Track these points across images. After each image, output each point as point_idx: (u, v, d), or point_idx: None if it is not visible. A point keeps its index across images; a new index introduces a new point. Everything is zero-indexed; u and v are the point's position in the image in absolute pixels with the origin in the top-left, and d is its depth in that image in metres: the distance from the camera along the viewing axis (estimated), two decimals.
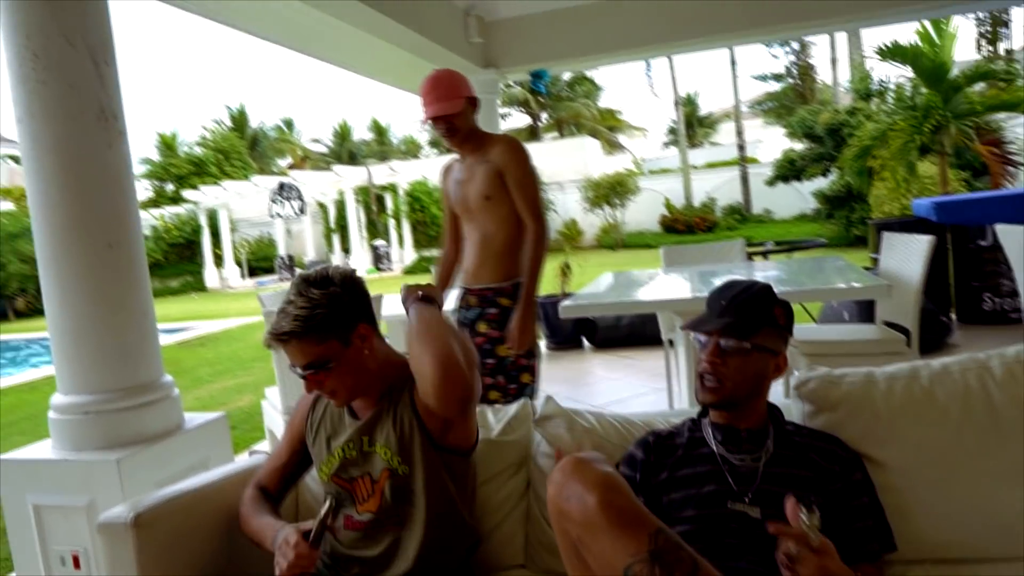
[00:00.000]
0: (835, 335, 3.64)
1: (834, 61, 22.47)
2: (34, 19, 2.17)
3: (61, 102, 2.17)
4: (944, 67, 7.15)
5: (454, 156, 2.94)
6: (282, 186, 21.22)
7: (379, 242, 21.46)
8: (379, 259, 20.95)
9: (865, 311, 4.71)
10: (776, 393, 1.84)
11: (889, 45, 7.12)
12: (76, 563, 2.17)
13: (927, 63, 7.09)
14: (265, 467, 1.80)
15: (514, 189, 2.73)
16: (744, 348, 1.52)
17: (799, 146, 16.97)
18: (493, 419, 1.93)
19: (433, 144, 34.84)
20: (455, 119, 2.69)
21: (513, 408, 1.96)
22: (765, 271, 3.92)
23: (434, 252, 20.59)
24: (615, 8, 5.68)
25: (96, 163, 2.21)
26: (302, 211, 21.29)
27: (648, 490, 1.57)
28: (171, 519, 1.60)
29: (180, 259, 23.61)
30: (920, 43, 7.11)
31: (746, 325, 1.54)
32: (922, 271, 3.30)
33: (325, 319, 1.53)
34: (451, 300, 3.00)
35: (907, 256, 3.48)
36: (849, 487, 1.51)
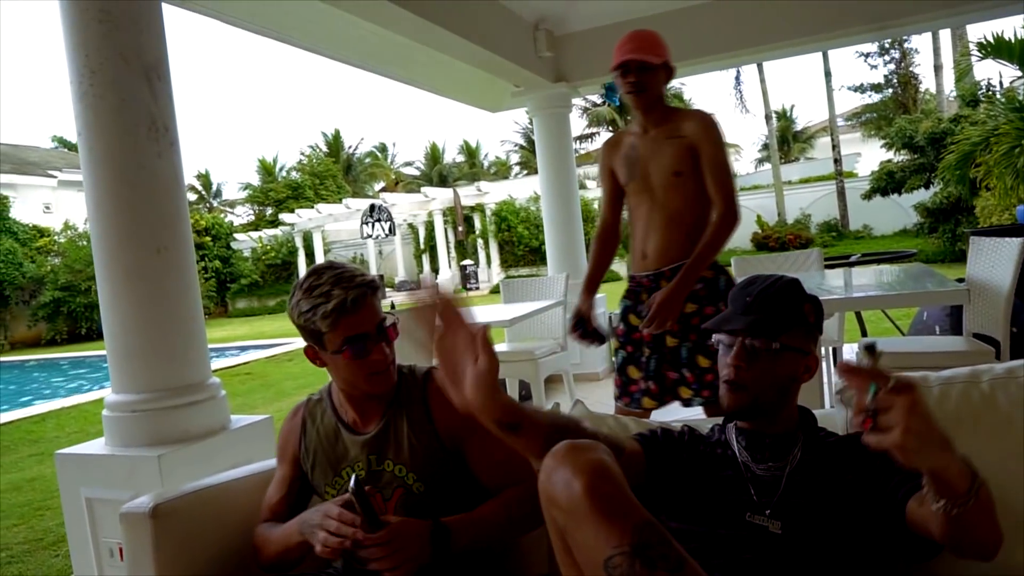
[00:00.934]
0: (917, 347, 3.39)
1: (938, 68, 21.34)
2: (93, 39, 2.30)
3: (115, 116, 2.28)
4: None
5: (626, 130, 2.72)
6: (373, 208, 21.79)
7: (467, 262, 21.71)
8: (467, 279, 21.18)
9: (957, 323, 4.39)
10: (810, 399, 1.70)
11: (991, 40, 6.68)
12: (121, 555, 2.23)
13: None
14: (267, 504, 1.68)
15: (709, 167, 2.51)
16: (773, 349, 1.40)
17: (899, 158, 16.17)
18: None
19: (523, 165, 35.09)
20: (648, 75, 2.48)
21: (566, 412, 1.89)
22: (837, 279, 3.71)
23: (522, 271, 20.75)
24: (693, 14, 5.51)
25: (146, 172, 2.30)
26: (392, 231, 21.79)
27: (664, 474, 1.45)
28: (191, 512, 1.61)
29: (277, 279, 24.54)
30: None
31: (774, 323, 1.41)
32: (1012, 277, 3.04)
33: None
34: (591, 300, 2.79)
35: (996, 261, 3.22)
36: (892, 468, 1.29)
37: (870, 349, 1.08)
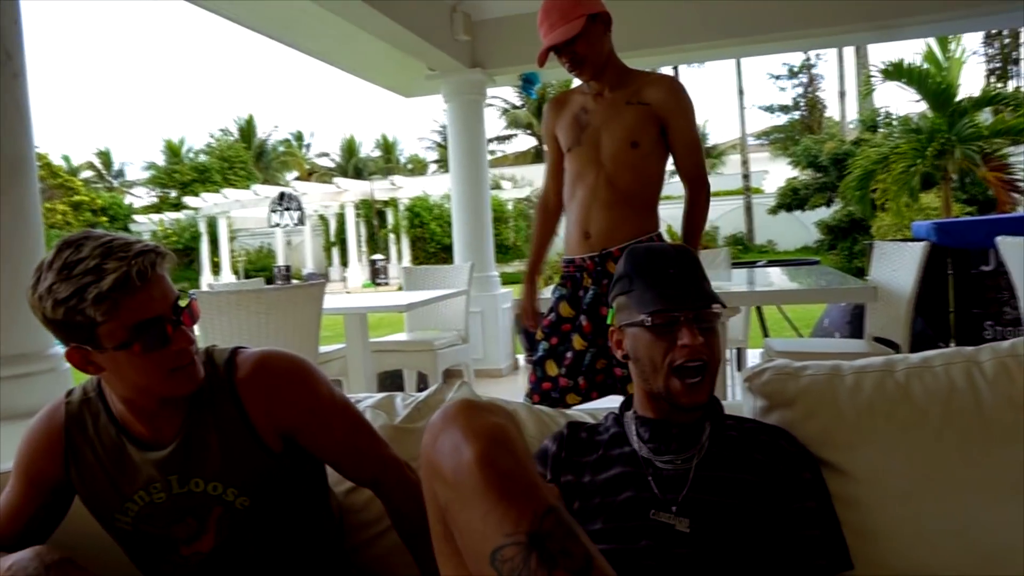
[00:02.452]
0: (818, 347, 3.37)
1: (842, 94, 22.38)
2: None
3: None
4: (950, 89, 6.94)
5: (576, 87, 2.42)
6: (282, 196, 21.07)
7: (377, 256, 21.28)
8: (376, 273, 20.74)
9: (857, 329, 4.44)
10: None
11: (892, 64, 6.92)
12: None
13: (933, 85, 6.88)
14: None
15: (679, 142, 2.28)
16: (718, 317, 1.27)
17: (803, 176, 16.79)
18: (400, 404, 1.67)
19: (439, 163, 34.76)
20: (580, 44, 2.20)
21: (424, 394, 1.70)
22: (742, 277, 3.66)
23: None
24: (614, 8, 5.46)
25: None
26: (301, 222, 21.12)
27: (570, 497, 1.28)
28: None
29: (178, 265, 23.44)
30: (925, 64, 6.91)
31: (710, 289, 1.29)
32: (914, 281, 3.03)
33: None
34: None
35: (899, 265, 3.22)
36: (794, 487, 1.24)
37: None
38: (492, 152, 33.44)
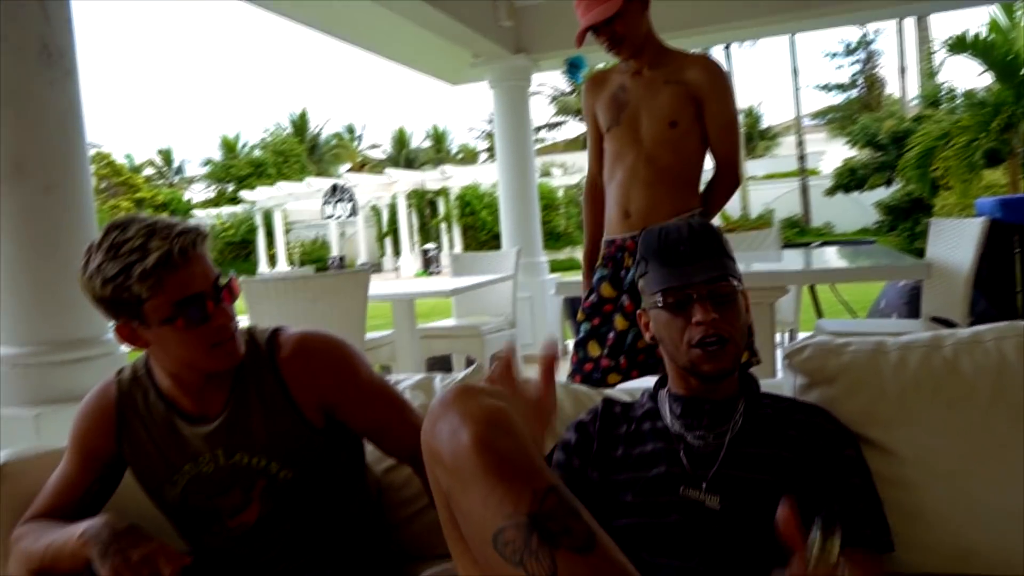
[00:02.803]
0: (871, 328, 3.28)
1: (903, 70, 21.64)
2: None
3: None
4: (1017, 59, 6.64)
5: (614, 66, 2.38)
6: (335, 188, 21.39)
7: (429, 245, 21.45)
8: (429, 262, 20.92)
9: (914, 311, 4.30)
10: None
11: (957, 37, 6.65)
12: None
13: (998, 55, 6.60)
14: (47, 500, 1.31)
15: (715, 124, 2.24)
16: (737, 292, 1.25)
17: (861, 155, 16.30)
18: (439, 385, 1.68)
19: (490, 152, 34.83)
20: (618, 24, 2.16)
21: (462, 374, 1.71)
22: (794, 256, 3.58)
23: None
24: None
25: (35, 101, 2.06)
26: (354, 213, 21.42)
27: (595, 471, 1.30)
28: (43, 474, 1.38)
29: (235, 257, 24.02)
30: (991, 35, 6.62)
31: (728, 260, 1.27)
32: (973, 259, 2.92)
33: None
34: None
35: (957, 243, 3.11)
36: (836, 464, 1.21)
37: (829, 526, 0.89)
38: (542, 140, 33.36)
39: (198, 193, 32.68)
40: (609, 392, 1.56)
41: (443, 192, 21.88)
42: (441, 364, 4.77)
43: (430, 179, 21.81)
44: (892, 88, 25.37)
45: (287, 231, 23.51)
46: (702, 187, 2.38)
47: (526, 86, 6.05)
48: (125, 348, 2.24)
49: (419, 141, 38.82)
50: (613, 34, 2.20)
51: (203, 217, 24.68)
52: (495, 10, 5.44)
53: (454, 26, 4.97)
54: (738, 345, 1.23)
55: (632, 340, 2.25)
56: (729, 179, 2.32)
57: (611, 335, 2.28)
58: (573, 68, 6.41)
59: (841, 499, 1.18)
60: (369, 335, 3.58)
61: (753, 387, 1.31)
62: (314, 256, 24.09)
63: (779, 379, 1.55)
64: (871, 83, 25.66)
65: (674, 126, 2.24)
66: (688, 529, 1.15)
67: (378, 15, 4.68)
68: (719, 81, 2.25)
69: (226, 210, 25.01)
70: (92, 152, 23.53)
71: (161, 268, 1.12)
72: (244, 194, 23.62)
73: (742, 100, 28.89)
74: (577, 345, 2.37)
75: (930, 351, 1.38)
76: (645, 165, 2.27)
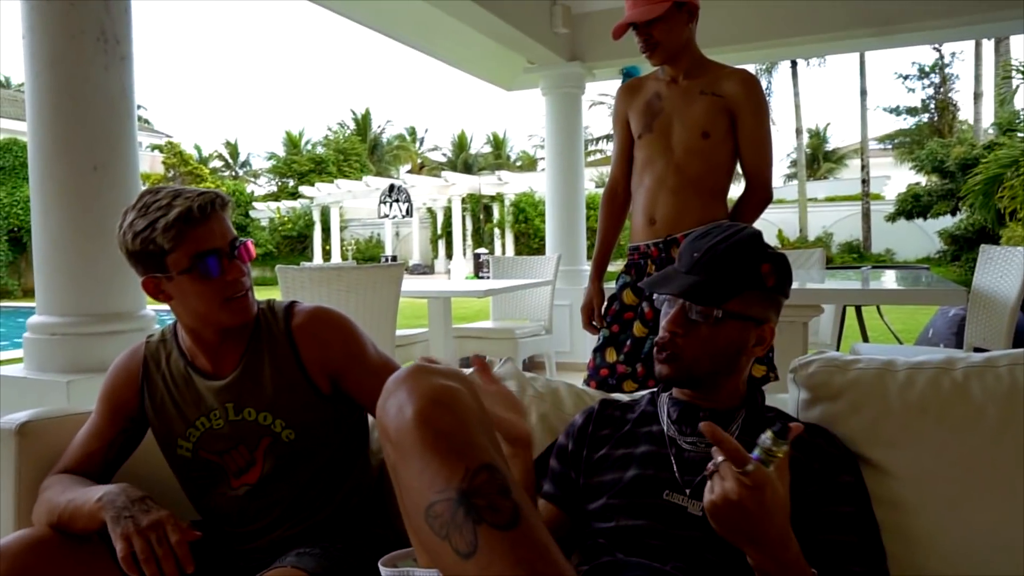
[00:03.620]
0: (906, 354, 3.19)
1: (977, 96, 20.91)
2: None
3: (62, 19, 2.15)
4: None
5: (651, 73, 2.38)
6: (392, 188, 21.69)
7: (481, 250, 21.58)
8: (480, 267, 21.05)
9: (962, 341, 4.17)
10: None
11: None
12: None
13: None
14: (75, 452, 1.41)
15: (747, 138, 2.24)
16: (715, 317, 1.20)
17: (927, 182, 15.83)
18: None
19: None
20: (659, 27, 2.17)
21: (470, 370, 1.73)
22: (835, 277, 3.51)
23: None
24: (723, 0, 5.28)
25: (90, 84, 2.16)
26: (409, 213, 21.68)
27: (576, 473, 1.31)
28: (60, 434, 1.46)
29: (291, 251, 24.52)
30: None
31: (720, 287, 1.21)
32: (1020, 288, 2.83)
33: None
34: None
35: (1005, 272, 3.01)
36: (830, 489, 1.18)
37: (780, 433, 0.95)
38: (601, 151, 33.24)
39: (260, 186, 33.50)
40: (611, 394, 1.56)
41: (498, 198, 22.00)
42: None
43: (486, 184, 21.96)
44: (966, 114, 24.60)
45: (343, 228, 23.92)
46: (729, 199, 2.36)
47: (579, 93, 6.06)
48: (157, 328, 2.34)
49: (479, 146, 39.14)
50: (650, 36, 2.20)
51: (263, 210, 25.26)
52: (551, 16, 5.48)
53: (509, 31, 5.01)
54: (687, 365, 1.22)
55: (650, 347, 2.25)
56: (759, 195, 2.30)
57: (628, 342, 2.28)
58: (628, 78, 6.40)
59: (832, 528, 1.14)
60: (401, 331, 3.63)
61: (757, 400, 1.29)
62: (368, 254, 24.46)
63: (787, 395, 1.54)
64: (943, 108, 24.87)
65: (706, 137, 2.23)
66: (666, 533, 1.14)
67: (434, 17, 4.76)
68: (755, 96, 2.24)
69: (285, 204, 25.57)
70: (163, 142, 24.38)
71: (182, 222, 1.24)
72: (304, 190, 24.14)
73: (807, 119, 28.33)
74: (595, 351, 2.37)
75: (940, 373, 1.35)
76: (674, 173, 2.26)
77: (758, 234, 1.28)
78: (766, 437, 0.94)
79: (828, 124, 42.11)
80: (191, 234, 1.26)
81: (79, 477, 1.36)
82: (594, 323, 2.48)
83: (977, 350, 3.16)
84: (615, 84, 6.64)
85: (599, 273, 2.51)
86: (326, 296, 3.01)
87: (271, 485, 1.37)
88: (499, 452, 0.89)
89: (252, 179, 35.33)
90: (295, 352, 1.37)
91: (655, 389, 1.39)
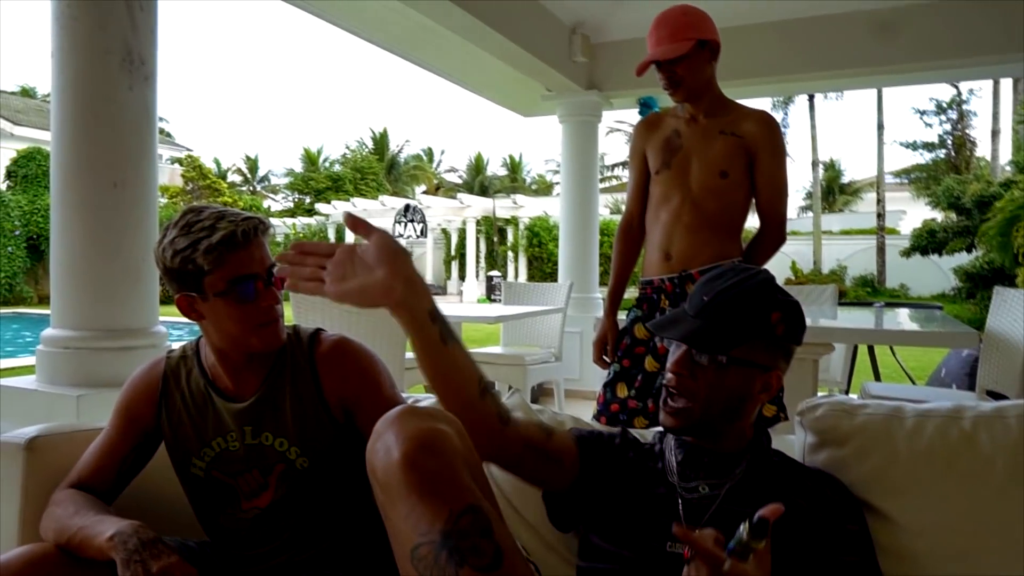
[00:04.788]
0: (917, 395, 3.17)
1: (995, 133, 20.86)
2: None
3: (88, 40, 2.20)
4: None
5: (670, 109, 2.39)
6: (407, 208, 21.81)
7: (494, 273, 21.61)
8: (492, 289, 21.07)
9: (975, 383, 4.13)
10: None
11: None
12: None
13: None
14: (87, 466, 1.40)
15: (765, 179, 2.24)
16: (720, 362, 1.19)
17: (943, 218, 15.77)
18: None
19: None
20: (683, 66, 2.18)
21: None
22: (847, 314, 3.49)
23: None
24: (742, 34, 5.24)
25: (114, 103, 2.21)
26: (424, 234, 21.77)
27: (595, 480, 1.29)
28: (70, 450, 1.46)
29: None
30: None
31: (726, 333, 1.19)
32: None
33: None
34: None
35: (1020, 314, 2.99)
36: (835, 538, 1.17)
37: (757, 531, 0.91)
38: (618, 177, 33.34)
39: (277, 202, 33.76)
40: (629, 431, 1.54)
41: (513, 221, 22.07)
42: None
43: (501, 207, 22.04)
44: (983, 151, 24.52)
45: (357, 246, 24.02)
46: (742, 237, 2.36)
47: (596, 122, 6.10)
48: (168, 343, 2.35)
49: (495, 168, 39.34)
50: (673, 75, 2.21)
51: (279, 226, 25.44)
52: (570, 45, 5.53)
53: (528, 59, 5.05)
54: (699, 413, 1.19)
55: (661, 383, 2.24)
56: (775, 235, 2.30)
57: (639, 377, 2.27)
58: (645, 108, 6.43)
59: None
60: (410, 354, 3.64)
61: (763, 443, 1.28)
62: None
63: (794, 436, 1.53)
64: (960, 144, 24.81)
65: (724, 176, 2.24)
66: None
67: (454, 43, 4.80)
68: (774, 138, 2.25)
69: (301, 221, 25.74)
70: (183, 155, 24.67)
71: (224, 245, 1.26)
72: (320, 207, 24.30)
73: (823, 152, 28.32)
74: (605, 385, 2.36)
75: (948, 422, 1.34)
76: (690, 210, 2.27)
77: (770, 280, 1.27)
78: (743, 531, 0.92)
79: (842, 157, 42.13)
80: (231, 258, 1.27)
81: (91, 498, 1.34)
82: (606, 358, 2.47)
83: (990, 393, 3.14)
84: (632, 112, 6.66)
85: (614, 307, 2.50)
86: (337, 316, 3.02)
87: (281, 510, 1.37)
88: (486, 491, 0.90)
89: (270, 195, 35.63)
90: (316, 381, 1.38)
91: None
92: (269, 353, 1.38)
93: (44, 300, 18.96)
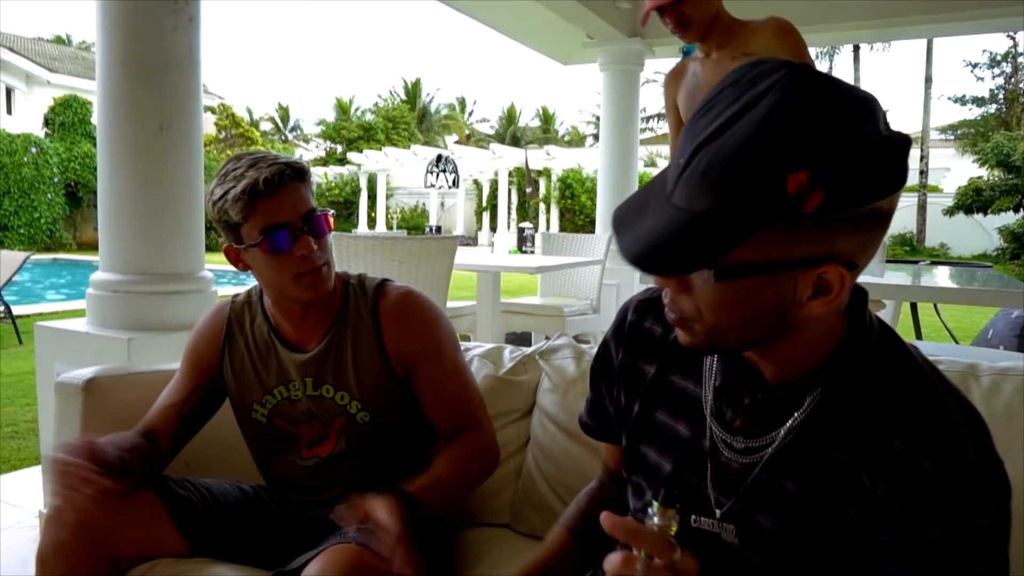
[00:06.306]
0: (970, 355, 3.08)
1: None
2: None
3: None
4: None
5: (693, 55, 2.31)
6: (440, 158, 21.69)
7: (525, 224, 21.52)
8: (523, 241, 21.00)
9: None
10: None
11: None
12: None
13: None
14: (156, 408, 1.38)
15: None
16: (707, 276, 0.71)
17: (990, 176, 15.30)
18: (507, 356, 1.69)
19: (597, 137, 34.56)
20: (684, 5, 2.09)
21: (531, 348, 1.70)
22: (896, 273, 3.40)
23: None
24: None
25: (160, 44, 2.17)
26: (455, 184, 21.69)
27: (620, 422, 1.00)
28: (126, 392, 1.48)
29: (337, 217, 24.53)
30: None
31: (704, 234, 0.69)
32: None
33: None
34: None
35: None
36: (907, 543, 0.74)
37: (668, 501, 0.74)
38: (652, 129, 32.79)
39: (309, 151, 33.80)
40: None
41: (546, 172, 21.88)
42: (520, 340, 4.80)
43: (534, 158, 21.84)
44: None
45: (389, 196, 24.04)
46: None
47: (638, 71, 5.95)
48: (215, 289, 2.35)
49: (528, 119, 38.89)
50: (681, 15, 2.11)
51: (313, 173, 25.52)
52: None
53: (571, 4, 4.93)
54: (703, 332, 0.76)
55: None
56: None
57: None
58: (687, 56, 6.26)
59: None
60: (451, 303, 3.63)
61: (846, 355, 0.79)
62: (412, 223, 24.56)
63: None
64: (1013, 99, 23.92)
65: None
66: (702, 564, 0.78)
67: None
68: (788, 42, 2.09)
69: (333, 170, 25.77)
70: (216, 103, 24.69)
71: (249, 194, 1.20)
72: (352, 156, 24.28)
73: None
74: None
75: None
76: None
77: (792, 106, 0.66)
78: (652, 512, 0.74)
79: (887, 111, 40.95)
80: (260, 206, 1.22)
81: (140, 441, 1.29)
82: None
83: None
84: (671, 63, 6.49)
85: None
86: (380, 265, 3.01)
87: (340, 462, 1.36)
88: None
89: (302, 143, 35.65)
90: (379, 334, 1.34)
91: None
92: (330, 303, 1.34)
93: (83, 246, 19.31)
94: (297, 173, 1.25)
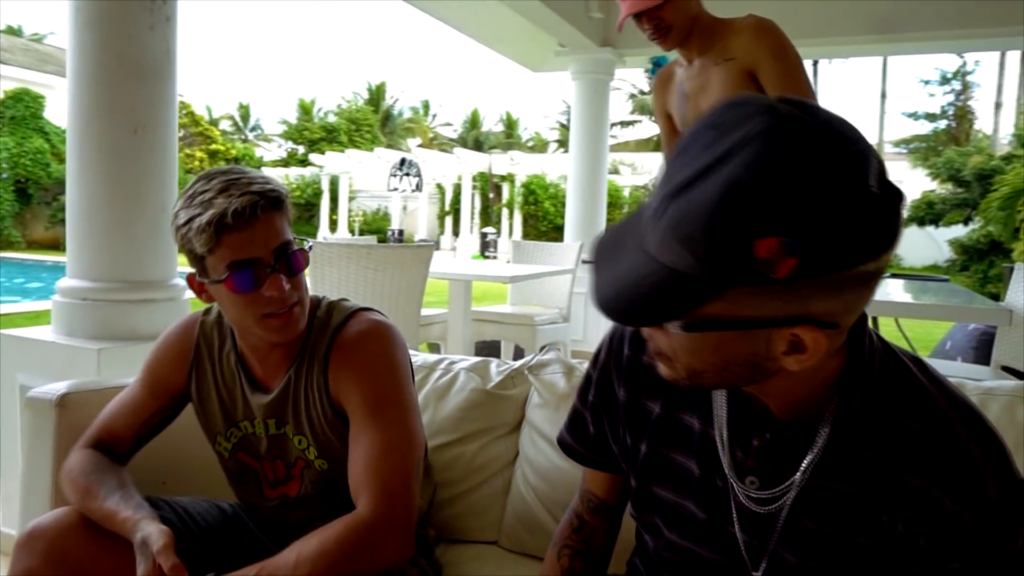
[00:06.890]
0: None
1: (998, 106, 20.79)
2: None
3: None
4: None
5: (675, 59, 2.23)
6: (403, 161, 21.57)
7: (488, 229, 21.49)
8: (486, 246, 20.98)
9: (983, 356, 4.12)
10: None
11: None
12: None
13: None
14: (109, 424, 1.30)
15: (776, 82, 1.96)
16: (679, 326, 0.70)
17: (942, 190, 15.74)
18: (495, 370, 1.67)
19: (560, 143, 34.69)
20: (663, 10, 1.98)
21: (520, 362, 1.69)
22: None
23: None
24: None
25: (134, 43, 2.10)
26: (418, 188, 21.57)
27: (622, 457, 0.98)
28: (100, 407, 1.41)
29: (298, 220, 24.44)
30: None
31: (675, 286, 0.68)
32: None
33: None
34: None
35: None
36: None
37: None
38: (615, 136, 33.05)
39: (269, 151, 33.35)
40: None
41: (509, 178, 21.88)
42: (490, 349, 4.78)
43: (497, 163, 21.83)
44: (984, 123, 24.40)
45: (351, 199, 23.81)
46: None
47: (608, 80, 6.00)
48: (188, 297, 2.29)
49: (491, 124, 38.92)
50: (660, 21, 2.02)
51: (273, 174, 25.19)
52: (586, 0, 5.39)
53: (544, 12, 4.94)
54: (684, 373, 0.76)
55: None
56: None
57: None
58: (657, 67, 6.32)
59: None
60: (425, 310, 3.60)
61: (854, 397, 0.77)
62: (374, 227, 24.36)
63: None
64: (961, 115, 24.68)
65: None
66: None
67: None
68: (770, 39, 2.01)
69: (294, 171, 25.45)
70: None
71: (215, 226, 1.07)
72: (314, 158, 23.99)
73: None
74: None
75: (1015, 402, 1.31)
76: None
77: (763, 168, 0.62)
78: None
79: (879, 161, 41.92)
80: (227, 239, 1.09)
81: (112, 465, 1.25)
82: None
83: (1006, 369, 3.12)
84: (635, 72, 6.57)
85: None
86: (355, 274, 2.97)
87: (308, 502, 1.29)
88: None
89: (263, 143, 35.16)
90: (325, 374, 1.22)
91: None
92: (298, 337, 1.22)
93: (33, 245, 18.75)
94: (272, 203, 1.11)
